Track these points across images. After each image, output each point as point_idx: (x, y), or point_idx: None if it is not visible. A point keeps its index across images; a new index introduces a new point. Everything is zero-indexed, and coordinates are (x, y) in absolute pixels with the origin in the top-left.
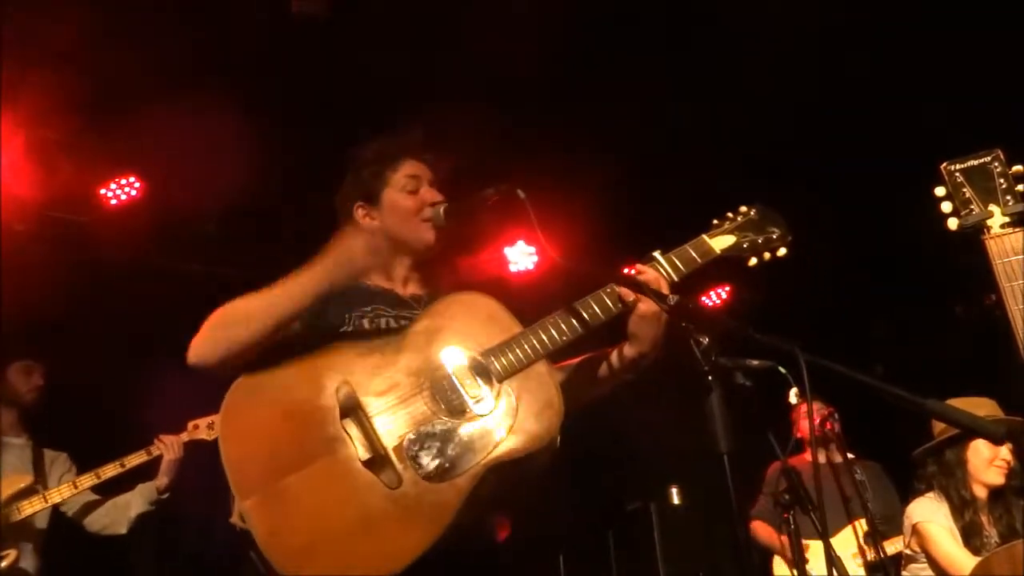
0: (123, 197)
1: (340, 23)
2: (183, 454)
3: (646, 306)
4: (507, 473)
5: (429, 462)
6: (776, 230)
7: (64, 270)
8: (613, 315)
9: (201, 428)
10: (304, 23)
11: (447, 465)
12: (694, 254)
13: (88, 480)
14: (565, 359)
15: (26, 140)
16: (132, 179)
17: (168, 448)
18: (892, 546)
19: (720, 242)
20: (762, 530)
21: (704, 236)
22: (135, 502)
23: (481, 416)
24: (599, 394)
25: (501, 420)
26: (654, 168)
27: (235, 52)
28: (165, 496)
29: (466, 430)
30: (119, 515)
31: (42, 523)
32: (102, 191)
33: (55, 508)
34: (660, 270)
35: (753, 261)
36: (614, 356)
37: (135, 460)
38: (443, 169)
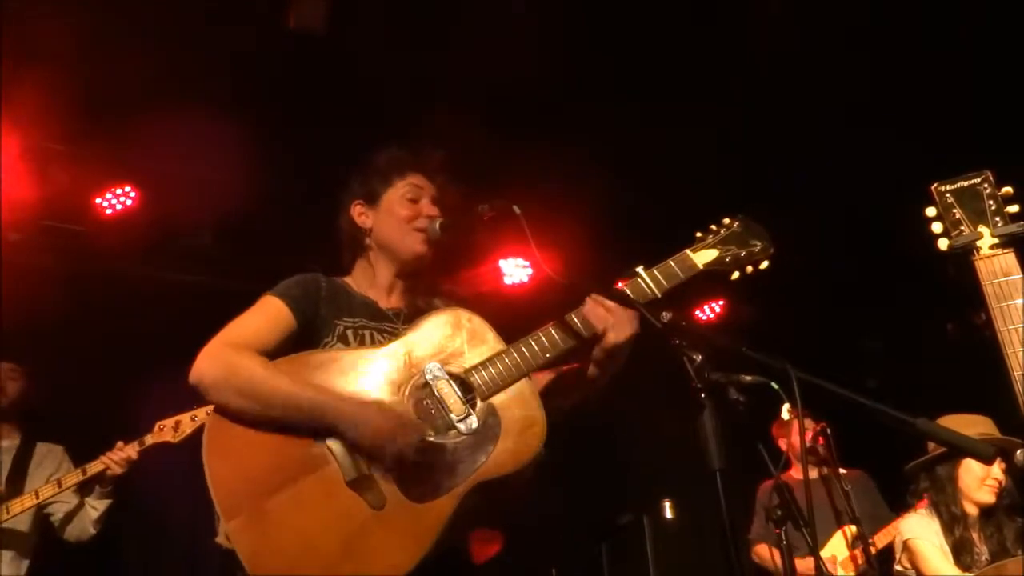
0: (119, 207)
1: (338, 36)
2: (127, 469)
3: (615, 335)
4: (492, 491)
5: (413, 482)
6: (758, 243)
7: (59, 279)
8: (585, 340)
9: (167, 430)
10: (302, 36)
11: (432, 485)
12: (677, 269)
13: (49, 489)
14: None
15: (22, 149)
16: (128, 189)
17: (113, 464)
18: (876, 543)
19: (703, 256)
20: (766, 554)
21: (687, 251)
22: (90, 506)
23: (465, 435)
24: (564, 407)
25: (485, 439)
26: (649, 180)
27: (232, 63)
28: (109, 489)
29: (451, 449)
30: (83, 523)
31: (23, 526)
32: (98, 200)
33: (43, 516)
34: (643, 285)
35: (736, 275)
36: (579, 373)
37: (96, 467)
38: (451, 196)
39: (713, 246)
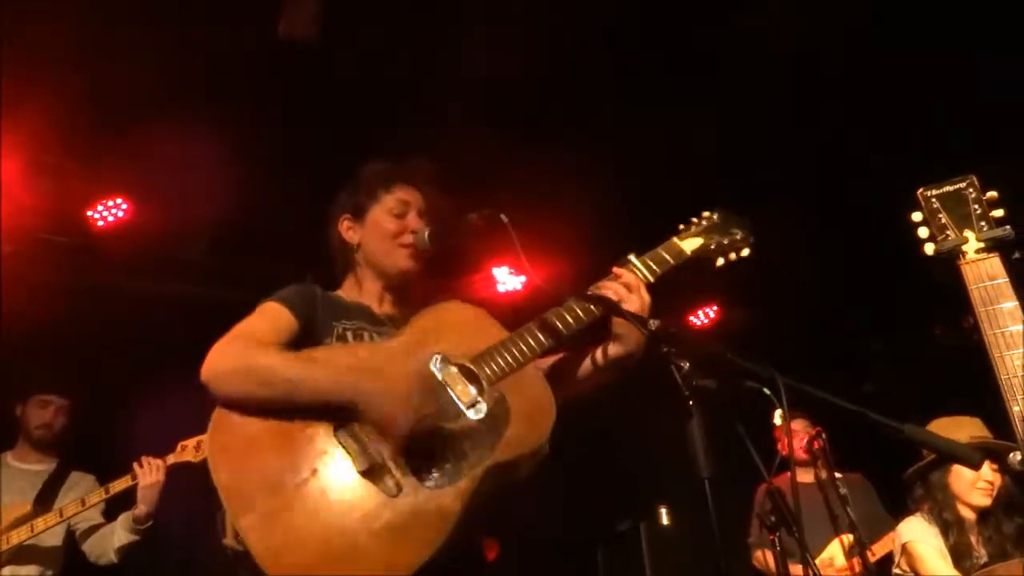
0: (111, 219)
1: (329, 45)
2: (164, 478)
3: (630, 306)
4: (502, 476)
5: (427, 468)
6: (738, 232)
7: (52, 291)
8: (596, 318)
9: (188, 449)
10: (292, 45)
11: (445, 471)
12: (667, 256)
13: (73, 507)
14: (547, 355)
15: (14, 161)
16: (120, 201)
17: (144, 474)
18: (876, 552)
19: (690, 244)
20: (765, 559)
21: (675, 239)
22: (117, 533)
23: (475, 421)
24: (580, 392)
25: (496, 424)
26: (641, 186)
27: (223, 74)
28: (148, 525)
29: (462, 435)
30: (106, 545)
31: (52, 542)
32: (90, 213)
33: (70, 532)
34: (636, 272)
35: (720, 262)
36: (598, 354)
37: (120, 486)
38: (442, 206)
39: (698, 235)
